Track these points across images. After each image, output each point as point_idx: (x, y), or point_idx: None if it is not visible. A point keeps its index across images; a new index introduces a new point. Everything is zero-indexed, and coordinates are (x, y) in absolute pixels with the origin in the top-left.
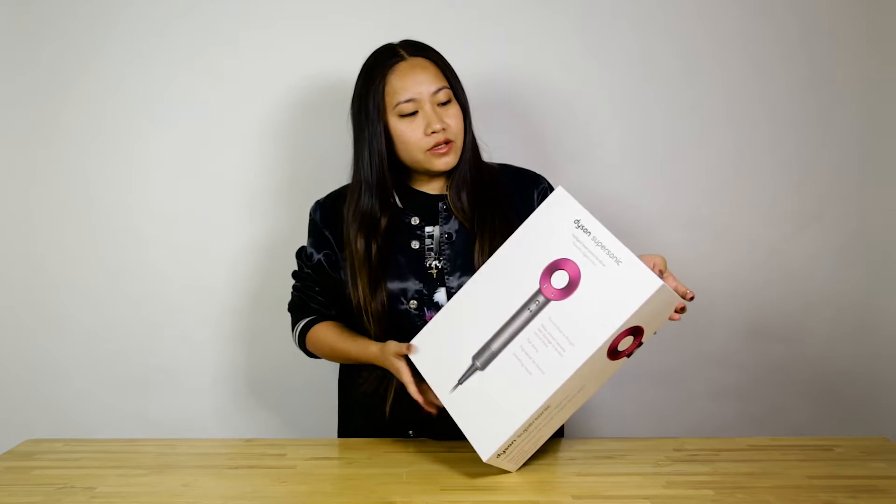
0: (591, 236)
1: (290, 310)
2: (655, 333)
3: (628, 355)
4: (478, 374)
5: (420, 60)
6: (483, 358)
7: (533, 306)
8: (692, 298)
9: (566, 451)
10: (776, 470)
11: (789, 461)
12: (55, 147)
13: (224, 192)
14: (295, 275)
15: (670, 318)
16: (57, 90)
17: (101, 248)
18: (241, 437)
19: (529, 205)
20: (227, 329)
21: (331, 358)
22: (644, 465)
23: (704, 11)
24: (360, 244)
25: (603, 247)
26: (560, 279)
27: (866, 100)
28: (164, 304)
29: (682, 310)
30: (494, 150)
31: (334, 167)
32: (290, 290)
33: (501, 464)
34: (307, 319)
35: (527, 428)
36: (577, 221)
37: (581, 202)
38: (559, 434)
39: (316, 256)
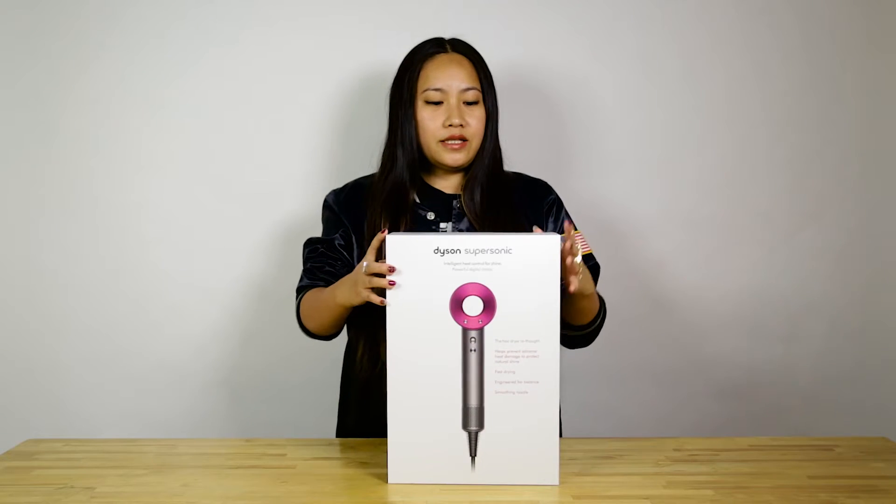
0: (463, 251)
1: (297, 294)
2: None
3: None
4: (481, 435)
5: (459, 57)
6: (473, 421)
7: (473, 345)
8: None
9: (566, 451)
10: (776, 470)
11: (789, 461)
12: (56, 147)
13: (224, 192)
14: (310, 255)
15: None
16: (57, 90)
17: (101, 248)
18: (241, 437)
19: (538, 213)
20: (227, 328)
21: (318, 315)
22: (644, 465)
23: (704, 11)
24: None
25: (482, 251)
26: (473, 306)
27: (866, 100)
28: (164, 303)
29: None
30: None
31: (336, 166)
32: (297, 284)
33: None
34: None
35: None
36: (437, 249)
37: (580, 203)
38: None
39: (332, 235)
